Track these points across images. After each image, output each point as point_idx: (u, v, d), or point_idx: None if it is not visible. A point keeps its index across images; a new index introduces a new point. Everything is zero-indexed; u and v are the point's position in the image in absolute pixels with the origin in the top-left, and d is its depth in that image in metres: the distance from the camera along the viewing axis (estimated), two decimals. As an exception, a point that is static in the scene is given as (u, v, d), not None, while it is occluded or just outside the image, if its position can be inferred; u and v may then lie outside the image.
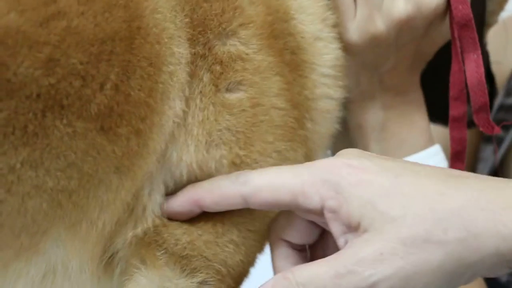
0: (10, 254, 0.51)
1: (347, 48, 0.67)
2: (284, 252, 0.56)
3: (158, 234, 0.55)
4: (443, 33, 0.70)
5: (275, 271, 0.56)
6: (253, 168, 0.56)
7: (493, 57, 0.78)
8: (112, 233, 0.55)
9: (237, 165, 0.56)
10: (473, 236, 0.49)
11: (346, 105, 0.72)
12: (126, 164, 0.52)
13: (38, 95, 0.47)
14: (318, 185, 0.52)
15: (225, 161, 0.55)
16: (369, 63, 0.71)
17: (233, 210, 0.56)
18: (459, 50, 0.66)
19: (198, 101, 0.55)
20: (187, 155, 0.55)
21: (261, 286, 0.52)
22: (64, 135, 0.49)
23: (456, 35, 0.66)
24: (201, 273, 0.55)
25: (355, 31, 0.68)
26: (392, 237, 0.50)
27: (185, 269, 0.55)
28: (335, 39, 0.64)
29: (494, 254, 0.49)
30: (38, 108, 0.48)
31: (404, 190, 0.51)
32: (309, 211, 0.53)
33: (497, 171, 0.85)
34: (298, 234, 0.56)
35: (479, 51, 0.65)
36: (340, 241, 0.52)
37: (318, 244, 0.57)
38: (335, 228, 0.52)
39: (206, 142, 0.55)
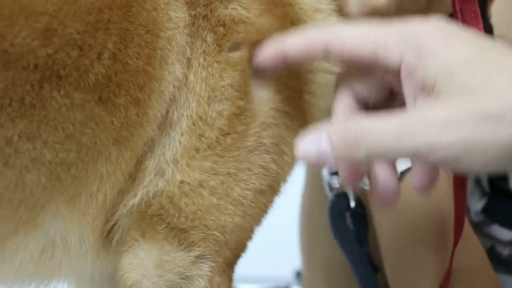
0: (9, 228, 0.52)
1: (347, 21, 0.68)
2: (349, 99, 0.56)
3: (162, 208, 0.56)
4: (444, 6, 0.70)
5: (334, 115, 0.56)
6: (255, 114, 0.58)
7: (496, 31, 0.79)
8: (114, 204, 0.55)
9: (237, 114, 0.57)
10: None
11: None
12: (125, 135, 0.53)
13: (36, 66, 0.48)
14: (401, 42, 0.52)
15: (225, 113, 0.56)
16: None
17: (238, 168, 0.57)
18: (460, 23, 0.66)
19: (201, 59, 0.56)
20: (188, 111, 0.55)
21: (317, 129, 0.52)
22: (62, 106, 0.50)
23: (457, 8, 0.66)
24: (198, 247, 0.56)
25: (354, 3, 0.68)
26: (466, 106, 0.49)
27: (182, 243, 0.56)
28: (335, 12, 0.65)
29: None
30: (36, 79, 0.48)
31: (487, 64, 0.50)
32: (387, 66, 0.53)
33: None
34: (367, 88, 0.56)
35: (481, 25, 0.66)
36: (410, 101, 0.52)
37: (382, 106, 0.57)
38: (408, 88, 0.52)
39: (208, 97, 0.56)
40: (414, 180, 0.55)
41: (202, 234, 0.57)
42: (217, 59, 0.56)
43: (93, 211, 0.54)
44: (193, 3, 0.56)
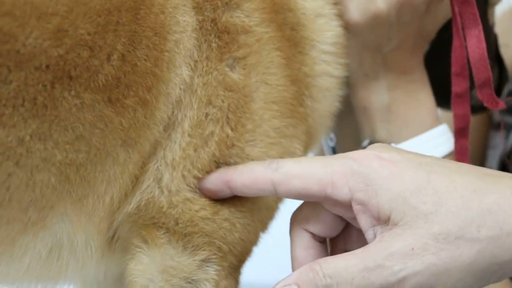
0: (18, 228, 0.54)
1: (349, 28, 0.70)
2: (306, 242, 0.58)
3: (153, 217, 0.58)
4: (444, 10, 0.73)
5: (294, 260, 0.58)
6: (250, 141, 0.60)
7: (501, 40, 0.82)
8: (120, 208, 0.58)
9: (226, 144, 0.59)
10: (506, 234, 0.51)
11: (350, 87, 0.76)
12: (132, 137, 0.55)
13: (47, 66, 0.51)
14: (348, 176, 0.54)
15: (216, 137, 0.58)
16: (371, 44, 0.74)
17: None
18: (460, 26, 0.69)
19: (204, 64, 0.58)
20: (190, 112, 0.58)
21: (286, 277, 0.54)
22: (73, 106, 0.52)
23: (456, 11, 0.69)
24: (203, 250, 0.59)
25: (355, 10, 0.71)
26: (424, 233, 0.51)
27: (187, 247, 0.58)
28: (336, 16, 0.68)
29: None
30: (48, 79, 0.51)
31: (436, 186, 0.53)
32: (337, 202, 0.55)
33: (509, 157, 0.88)
34: (322, 226, 0.58)
35: (480, 27, 0.68)
36: (369, 234, 0.54)
37: (340, 237, 0.59)
38: (363, 221, 0.54)
39: (206, 103, 0.58)
40: None
41: (205, 240, 0.59)
42: (218, 67, 0.59)
43: (100, 213, 0.56)
44: (200, 8, 0.59)
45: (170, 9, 0.56)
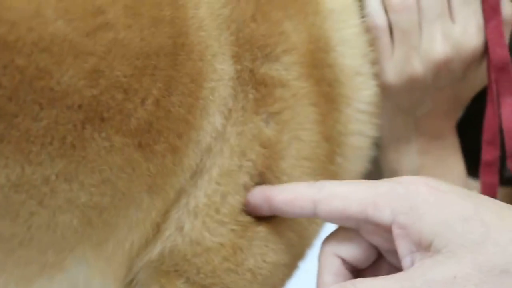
0: (35, 270, 0.53)
1: (383, 89, 0.69)
2: (336, 268, 0.56)
3: (177, 264, 0.57)
4: (481, 77, 0.73)
5: (321, 286, 0.56)
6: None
7: None
8: (139, 255, 0.56)
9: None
10: None
11: (381, 149, 0.75)
12: (158, 183, 0.54)
13: (80, 106, 0.50)
14: (392, 198, 0.53)
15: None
16: (405, 106, 0.73)
17: (252, 240, 0.58)
18: (495, 93, 0.68)
19: (240, 114, 0.58)
20: (220, 159, 0.57)
21: None
22: (102, 149, 0.51)
23: (492, 78, 0.69)
24: None
25: (391, 71, 0.70)
26: (468, 262, 0.50)
27: None
28: (375, 76, 0.67)
29: None
30: (79, 119, 0.50)
31: (484, 218, 0.51)
32: (377, 226, 0.54)
33: None
34: (355, 253, 0.56)
35: None
36: (406, 261, 0.52)
37: (368, 271, 0.57)
38: (402, 247, 0.53)
39: (240, 154, 0.58)
40: None
41: None
42: (253, 120, 0.58)
43: (119, 259, 0.55)
44: (239, 57, 0.58)
45: (209, 57, 0.56)
